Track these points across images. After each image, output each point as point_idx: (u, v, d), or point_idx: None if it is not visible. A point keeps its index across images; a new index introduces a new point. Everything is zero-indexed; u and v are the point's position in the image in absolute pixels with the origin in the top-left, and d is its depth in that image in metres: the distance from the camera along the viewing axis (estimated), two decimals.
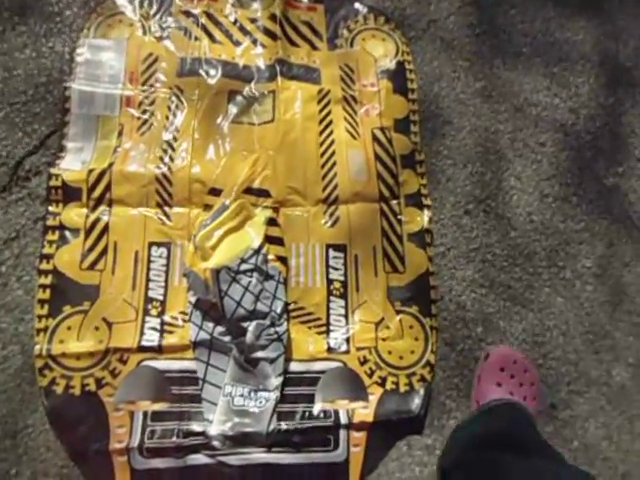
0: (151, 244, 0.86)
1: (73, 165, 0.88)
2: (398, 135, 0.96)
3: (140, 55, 0.94)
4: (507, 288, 0.93)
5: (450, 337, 0.89)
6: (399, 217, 0.91)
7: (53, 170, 0.86)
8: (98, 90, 0.91)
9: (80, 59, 0.93)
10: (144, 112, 0.92)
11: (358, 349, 0.84)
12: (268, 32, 0.98)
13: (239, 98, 0.95)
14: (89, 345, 0.79)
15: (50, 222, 0.85)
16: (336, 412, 0.79)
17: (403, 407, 0.81)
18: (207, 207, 0.87)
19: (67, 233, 0.85)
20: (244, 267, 0.81)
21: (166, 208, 0.87)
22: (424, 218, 0.92)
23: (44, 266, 0.83)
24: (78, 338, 0.80)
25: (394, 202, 0.92)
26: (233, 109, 0.94)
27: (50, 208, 0.86)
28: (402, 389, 0.83)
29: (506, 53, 1.09)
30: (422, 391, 0.83)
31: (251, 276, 0.81)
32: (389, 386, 0.82)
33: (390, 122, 0.97)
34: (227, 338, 0.80)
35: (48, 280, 0.82)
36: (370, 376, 0.83)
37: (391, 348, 0.85)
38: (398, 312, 0.86)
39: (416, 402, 0.82)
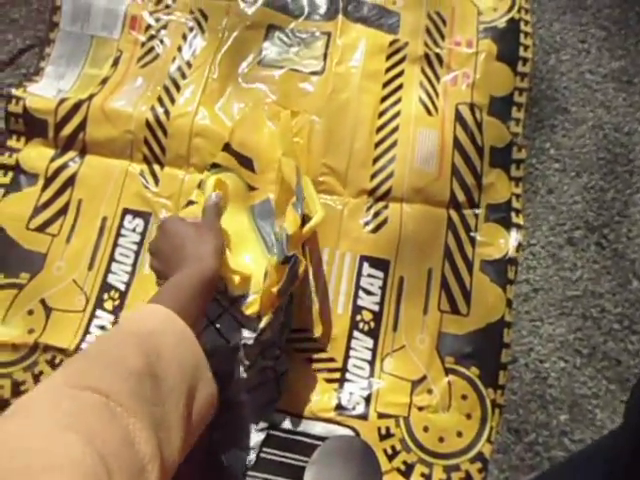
0: (126, 211, 0.63)
1: (45, 92, 0.66)
2: (492, 119, 0.68)
3: None
4: (615, 363, 0.63)
5: (518, 421, 0.60)
6: (473, 235, 0.63)
7: (16, 92, 0.65)
8: (98, 2, 0.69)
9: None
10: (151, 38, 0.69)
11: (381, 415, 0.57)
12: None
13: (280, 36, 0.69)
14: (15, 333, 0.58)
15: (4, 159, 0.64)
16: None
17: None
18: (214, 166, 0.62)
19: (22, 177, 0.64)
20: None
21: (155, 166, 0.64)
22: (510, 242, 0.63)
23: None
24: (3, 320, 0.59)
25: (469, 212, 0.64)
26: (269, 49, 0.69)
27: (9, 142, 0.65)
28: None
29: None
30: None
31: None
32: (415, 479, 0.55)
33: (485, 99, 0.68)
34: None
35: None
36: (391, 459, 0.56)
37: (429, 423, 0.57)
38: (448, 372, 0.59)
39: None
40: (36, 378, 0.56)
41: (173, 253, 0.45)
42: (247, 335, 0.50)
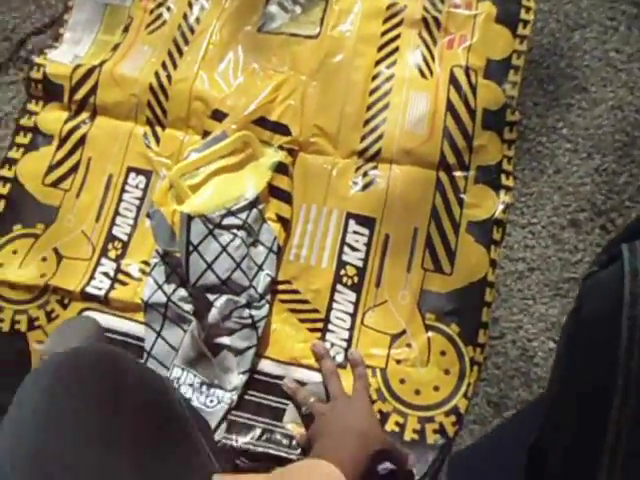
0: (130, 169, 0.67)
1: (63, 58, 0.71)
2: (488, 82, 0.67)
3: None
4: None
5: (498, 395, 0.60)
6: (461, 196, 0.64)
7: (37, 59, 0.71)
8: None
9: None
10: (159, 5, 0.73)
11: None
12: None
13: (280, 2, 0.72)
14: (29, 276, 0.64)
15: (24, 121, 0.70)
16: None
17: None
18: (206, 134, 0.67)
19: (39, 138, 0.69)
20: (229, 221, 0.60)
21: (157, 128, 0.68)
22: (498, 204, 0.63)
23: (5, 172, 0.69)
24: (21, 265, 0.65)
25: (459, 174, 0.64)
26: (270, 15, 0.71)
27: (29, 105, 0.71)
28: (407, 436, 0.57)
29: None
30: (436, 448, 0.57)
31: (235, 234, 0.60)
32: (390, 427, 0.58)
33: (481, 62, 0.68)
34: (188, 307, 0.60)
35: (5, 189, 0.68)
36: None
37: (406, 376, 0.59)
38: (428, 328, 0.60)
39: (423, 460, 0.56)
40: (48, 315, 0.63)
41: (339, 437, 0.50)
42: None
